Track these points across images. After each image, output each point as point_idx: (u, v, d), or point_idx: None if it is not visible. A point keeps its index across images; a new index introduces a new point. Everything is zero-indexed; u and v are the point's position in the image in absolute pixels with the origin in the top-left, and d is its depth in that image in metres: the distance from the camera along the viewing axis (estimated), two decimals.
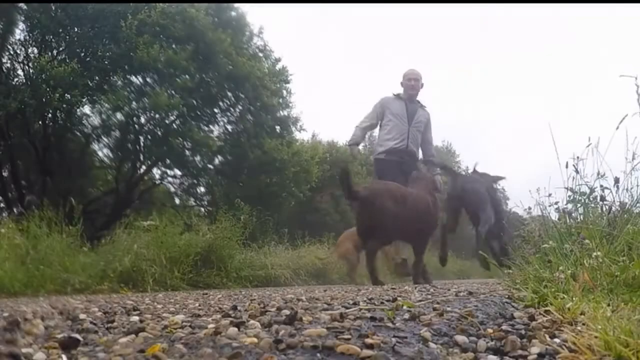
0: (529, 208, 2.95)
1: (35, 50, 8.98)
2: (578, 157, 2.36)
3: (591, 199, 2.44)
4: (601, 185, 2.41)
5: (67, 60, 8.15)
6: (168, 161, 10.47)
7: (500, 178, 4.82)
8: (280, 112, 10.52)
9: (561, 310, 1.33)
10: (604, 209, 2.37)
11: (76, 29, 8.89)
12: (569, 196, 2.49)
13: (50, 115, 8.87)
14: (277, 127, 10.47)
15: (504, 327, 1.22)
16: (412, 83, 5.19)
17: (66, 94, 8.04)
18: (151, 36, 8.52)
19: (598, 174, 2.40)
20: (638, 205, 2.25)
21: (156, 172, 11.11)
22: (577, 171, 2.43)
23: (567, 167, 2.42)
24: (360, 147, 17.47)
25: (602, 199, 2.37)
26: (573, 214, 2.44)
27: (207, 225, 5.83)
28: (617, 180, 2.27)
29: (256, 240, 6.81)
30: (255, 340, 0.99)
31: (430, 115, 5.44)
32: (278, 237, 7.74)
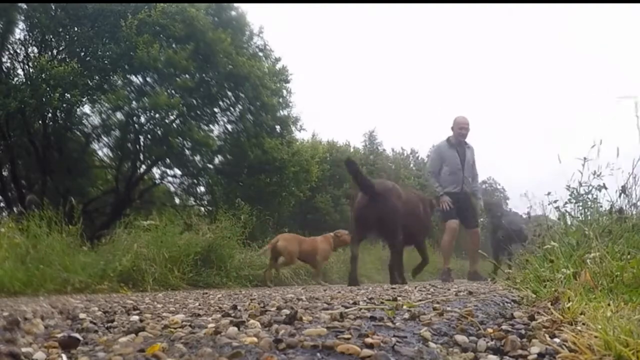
0: (529, 207, 2.95)
1: (35, 50, 8.97)
2: (585, 158, 2.36)
3: (590, 198, 2.44)
4: (599, 185, 2.41)
5: (67, 60, 8.14)
6: (168, 161, 10.46)
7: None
8: (280, 111, 10.51)
9: (561, 310, 1.33)
10: (605, 208, 2.37)
11: (76, 29, 8.88)
12: (571, 194, 2.49)
13: (50, 114, 8.87)
14: (277, 127, 10.45)
15: (504, 326, 1.22)
16: (463, 132, 6.20)
17: (66, 94, 8.03)
18: (151, 36, 8.51)
19: (594, 173, 2.40)
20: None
21: (156, 171, 11.11)
22: (581, 173, 2.43)
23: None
24: (360, 146, 17.32)
25: (594, 200, 2.37)
26: (572, 213, 2.44)
27: (207, 224, 5.83)
28: (623, 190, 2.25)
29: (256, 240, 6.80)
30: (255, 339, 0.99)
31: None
32: None
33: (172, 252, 5.02)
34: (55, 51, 9.04)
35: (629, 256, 1.58)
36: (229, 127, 10.55)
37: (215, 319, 1.39)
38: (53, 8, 8.55)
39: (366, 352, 0.91)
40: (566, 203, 2.53)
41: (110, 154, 10.88)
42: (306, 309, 1.59)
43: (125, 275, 4.52)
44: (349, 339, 1.01)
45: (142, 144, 9.88)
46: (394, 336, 1.07)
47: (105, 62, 8.74)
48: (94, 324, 1.41)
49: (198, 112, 9.95)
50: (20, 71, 8.89)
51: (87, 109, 9.40)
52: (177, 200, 11.94)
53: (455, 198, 6.06)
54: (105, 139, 10.31)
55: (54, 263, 4.01)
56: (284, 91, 10.67)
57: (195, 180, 11.20)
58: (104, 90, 8.66)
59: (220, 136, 10.62)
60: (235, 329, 1.15)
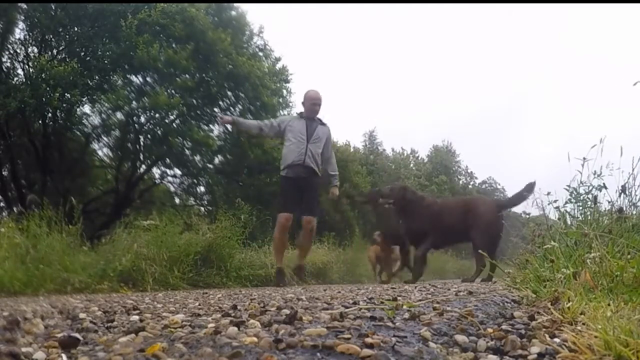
0: (528, 206, 2.95)
1: (35, 50, 8.98)
2: (584, 158, 2.36)
3: (590, 198, 2.44)
4: (599, 185, 2.41)
5: (67, 60, 8.15)
6: (168, 160, 10.48)
7: None
8: (280, 111, 10.53)
9: (561, 310, 1.33)
10: (605, 208, 2.37)
11: (76, 28, 8.89)
12: (570, 193, 2.49)
13: (50, 114, 8.87)
14: None
15: (504, 326, 1.22)
16: (316, 108, 5.59)
17: (66, 94, 8.04)
18: (151, 35, 8.52)
19: (595, 173, 2.40)
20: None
21: (156, 171, 11.13)
22: (581, 172, 2.42)
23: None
24: (360, 146, 17.28)
25: (595, 199, 2.36)
26: (572, 213, 2.44)
27: (207, 224, 5.83)
28: (624, 189, 2.24)
29: (256, 240, 6.81)
30: (255, 339, 0.99)
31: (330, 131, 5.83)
32: None
33: (172, 252, 5.01)
34: (55, 51, 9.05)
35: (629, 256, 1.58)
36: (229, 126, 10.56)
37: (215, 319, 1.39)
38: (53, 8, 8.55)
39: (366, 352, 0.91)
40: (566, 203, 2.54)
41: (110, 154, 10.91)
42: (306, 309, 1.59)
43: (125, 275, 4.52)
44: (349, 338, 1.01)
45: (142, 144, 9.89)
46: (394, 336, 1.07)
47: (105, 62, 8.74)
48: (94, 323, 1.41)
49: (198, 112, 9.97)
50: (20, 71, 8.92)
51: (87, 109, 9.44)
52: (177, 200, 11.97)
53: (297, 172, 5.37)
54: (105, 139, 10.34)
55: (54, 263, 4.01)
56: (284, 91, 10.70)
57: (195, 180, 11.22)
58: (104, 90, 8.67)
59: (220, 136, 10.64)
60: (235, 328, 1.15)
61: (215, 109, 10.26)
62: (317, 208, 5.67)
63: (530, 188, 5.33)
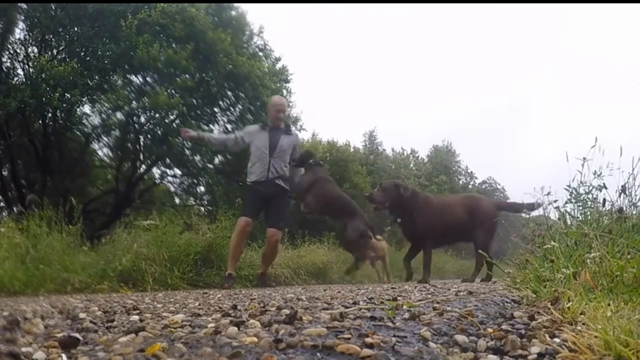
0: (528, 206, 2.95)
1: (35, 50, 8.97)
2: (584, 158, 2.36)
3: (590, 198, 2.45)
4: (599, 185, 2.41)
5: (67, 60, 8.14)
6: (168, 160, 10.47)
7: None
8: None
9: (561, 310, 1.33)
10: (605, 209, 2.37)
11: (76, 28, 8.88)
12: (570, 193, 2.49)
13: (50, 114, 8.86)
14: None
15: (503, 326, 1.22)
16: (280, 115, 5.44)
17: (66, 94, 8.03)
18: (151, 35, 8.51)
19: (595, 173, 2.41)
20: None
21: (156, 171, 11.12)
22: (581, 173, 2.42)
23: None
24: (360, 146, 17.20)
25: (604, 202, 2.36)
26: (572, 213, 2.44)
27: (207, 224, 5.83)
28: (624, 189, 2.24)
29: (256, 240, 6.81)
30: (255, 339, 0.99)
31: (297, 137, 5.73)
32: None
33: (172, 252, 5.02)
34: (55, 51, 9.04)
35: (629, 256, 1.58)
36: (229, 127, 10.55)
37: (215, 319, 1.39)
38: (53, 8, 8.54)
39: (366, 352, 0.91)
40: (566, 203, 2.54)
41: (110, 154, 10.90)
42: (306, 309, 1.59)
43: (125, 275, 4.52)
44: (349, 338, 1.01)
45: (142, 144, 9.88)
46: (394, 336, 1.08)
47: (105, 62, 8.73)
48: (94, 323, 1.41)
49: (198, 112, 9.95)
50: (20, 71, 8.90)
51: (87, 109, 9.42)
52: (177, 200, 11.95)
53: (261, 188, 5.24)
54: (105, 139, 10.32)
55: (54, 263, 4.01)
56: (284, 91, 10.68)
57: (195, 180, 11.21)
58: (104, 90, 8.66)
59: None
60: (235, 328, 1.15)
61: (215, 109, 10.25)
62: (283, 220, 5.50)
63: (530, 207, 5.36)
